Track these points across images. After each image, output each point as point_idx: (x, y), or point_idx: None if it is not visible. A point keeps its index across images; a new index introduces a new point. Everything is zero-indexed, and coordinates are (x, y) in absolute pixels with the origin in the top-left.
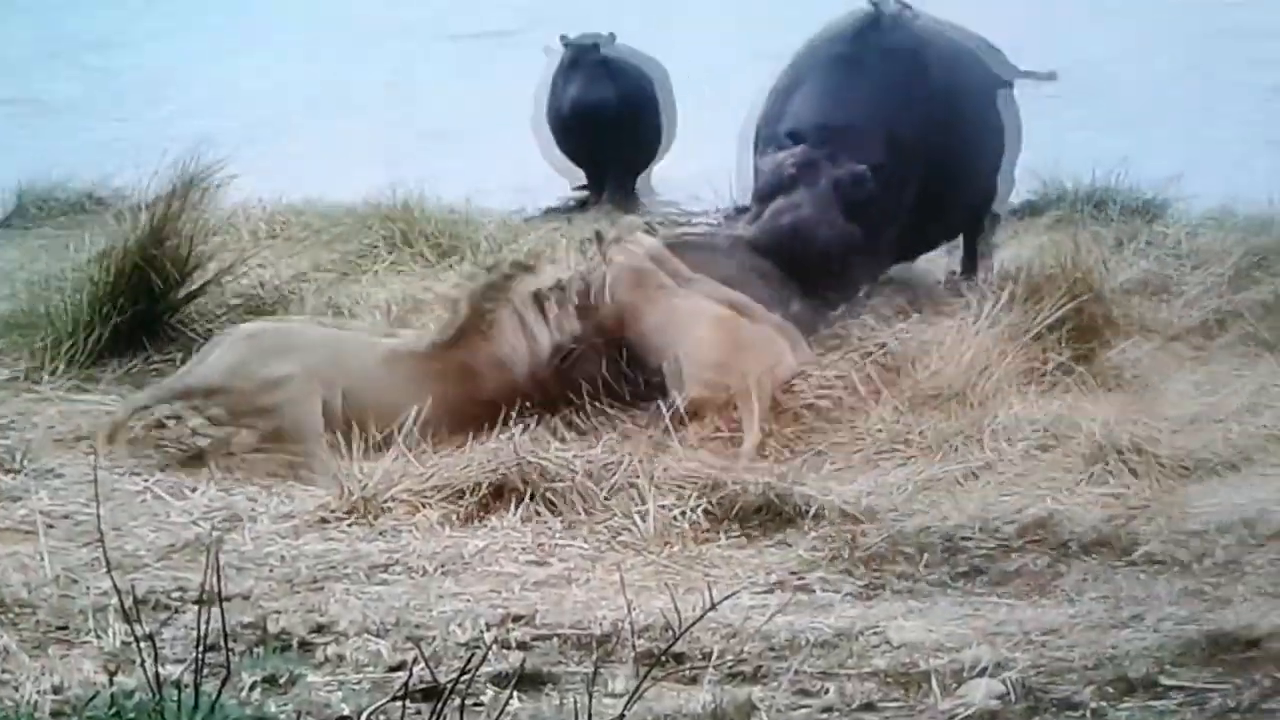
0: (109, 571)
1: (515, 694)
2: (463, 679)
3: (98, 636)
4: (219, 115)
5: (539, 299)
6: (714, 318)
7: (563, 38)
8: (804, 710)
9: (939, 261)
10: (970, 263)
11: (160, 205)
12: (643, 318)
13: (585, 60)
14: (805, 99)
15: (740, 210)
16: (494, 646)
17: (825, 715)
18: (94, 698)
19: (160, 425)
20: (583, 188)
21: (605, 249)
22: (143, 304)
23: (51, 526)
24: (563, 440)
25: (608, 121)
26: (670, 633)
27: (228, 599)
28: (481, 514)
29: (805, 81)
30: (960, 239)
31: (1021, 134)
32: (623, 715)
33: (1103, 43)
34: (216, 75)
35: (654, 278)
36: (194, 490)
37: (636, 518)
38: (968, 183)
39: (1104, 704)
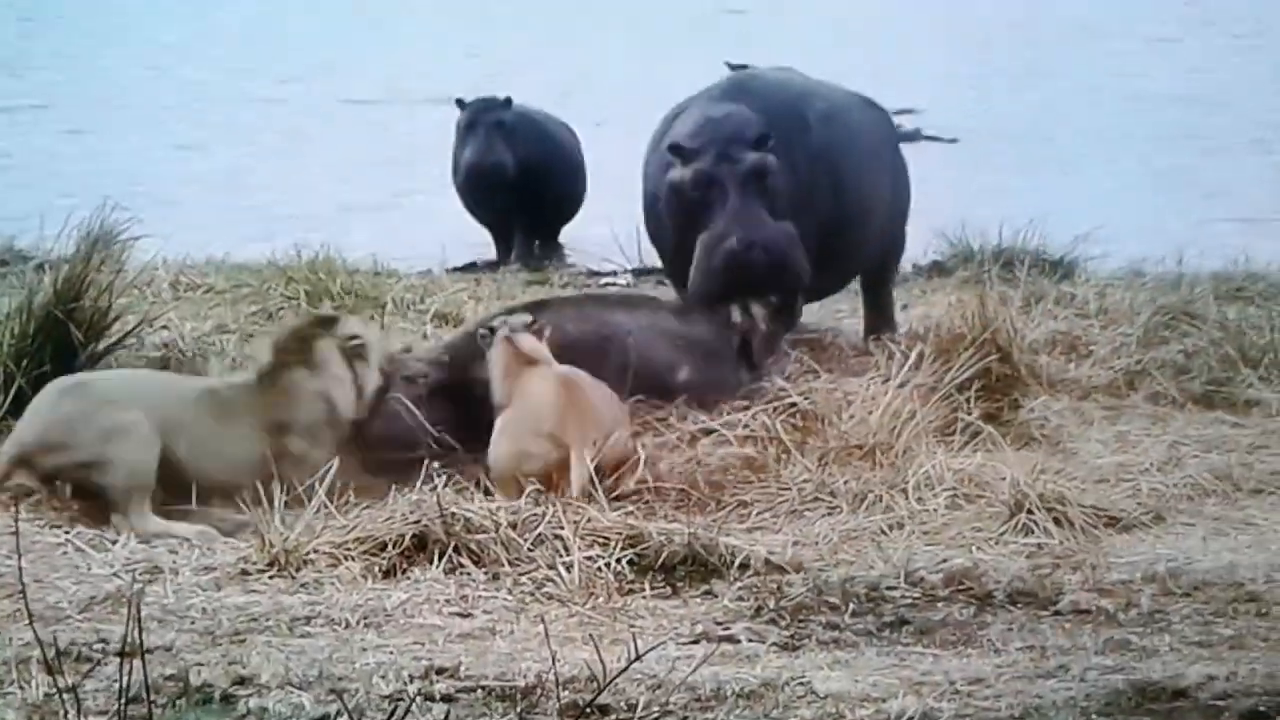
0: (31, 623)
1: None
2: None
3: (21, 688)
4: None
5: (343, 351)
6: (555, 378)
7: (458, 100)
8: None
9: (846, 323)
10: (875, 319)
11: (75, 262)
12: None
13: (481, 123)
14: (683, 122)
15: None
16: (418, 699)
17: None
18: None
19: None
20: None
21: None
22: (62, 358)
23: None
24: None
25: (503, 184)
26: (595, 684)
27: (149, 651)
28: (404, 566)
29: (681, 114)
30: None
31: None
32: None
33: (1011, 103)
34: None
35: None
36: (115, 542)
37: (561, 569)
38: (861, 228)
39: None
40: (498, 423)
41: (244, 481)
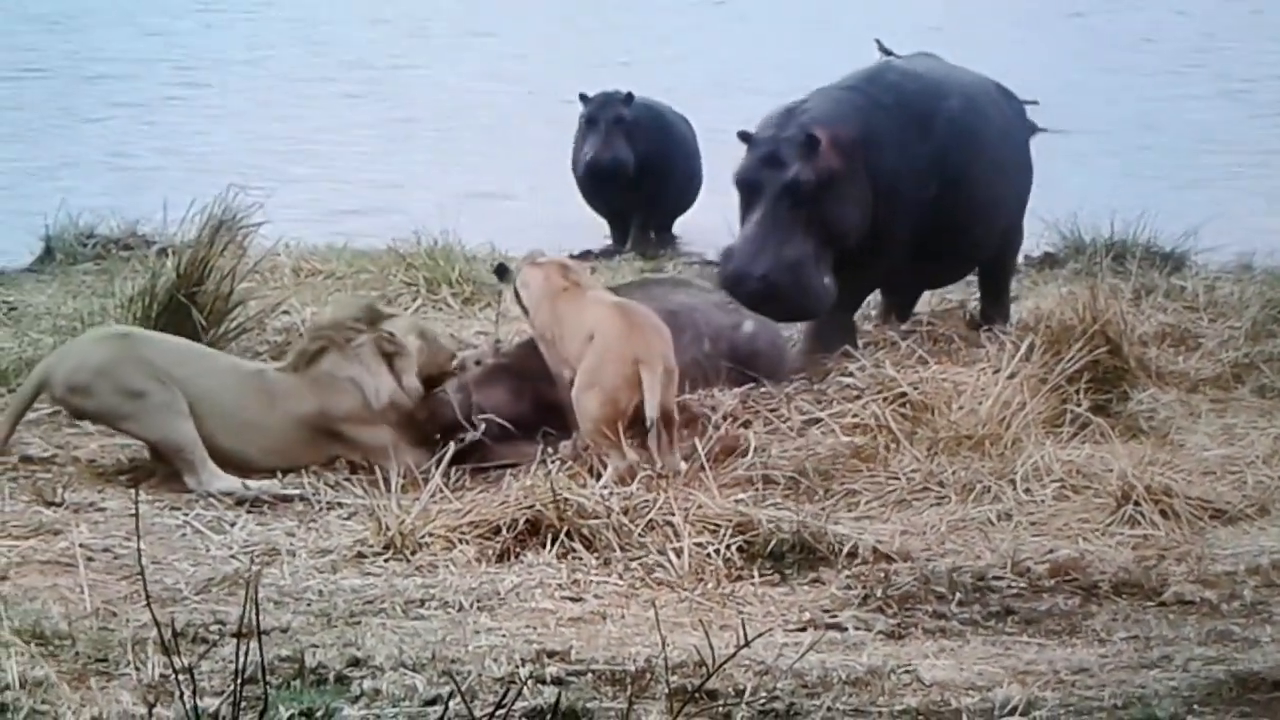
0: (148, 604)
1: None
2: (498, 713)
3: (137, 669)
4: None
5: (380, 343)
6: (609, 310)
7: (581, 95)
8: None
9: (956, 312)
10: (990, 309)
11: (198, 246)
12: (559, 320)
13: (602, 119)
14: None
15: None
16: (529, 682)
17: None
18: None
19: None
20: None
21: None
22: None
23: (91, 560)
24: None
25: (622, 181)
26: (704, 669)
27: (265, 633)
28: (517, 550)
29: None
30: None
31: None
32: None
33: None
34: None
35: (559, 275)
36: (233, 525)
37: (671, 555)
38: (985, 220)
39: None
40: (582, 372)
41: (276, 463)
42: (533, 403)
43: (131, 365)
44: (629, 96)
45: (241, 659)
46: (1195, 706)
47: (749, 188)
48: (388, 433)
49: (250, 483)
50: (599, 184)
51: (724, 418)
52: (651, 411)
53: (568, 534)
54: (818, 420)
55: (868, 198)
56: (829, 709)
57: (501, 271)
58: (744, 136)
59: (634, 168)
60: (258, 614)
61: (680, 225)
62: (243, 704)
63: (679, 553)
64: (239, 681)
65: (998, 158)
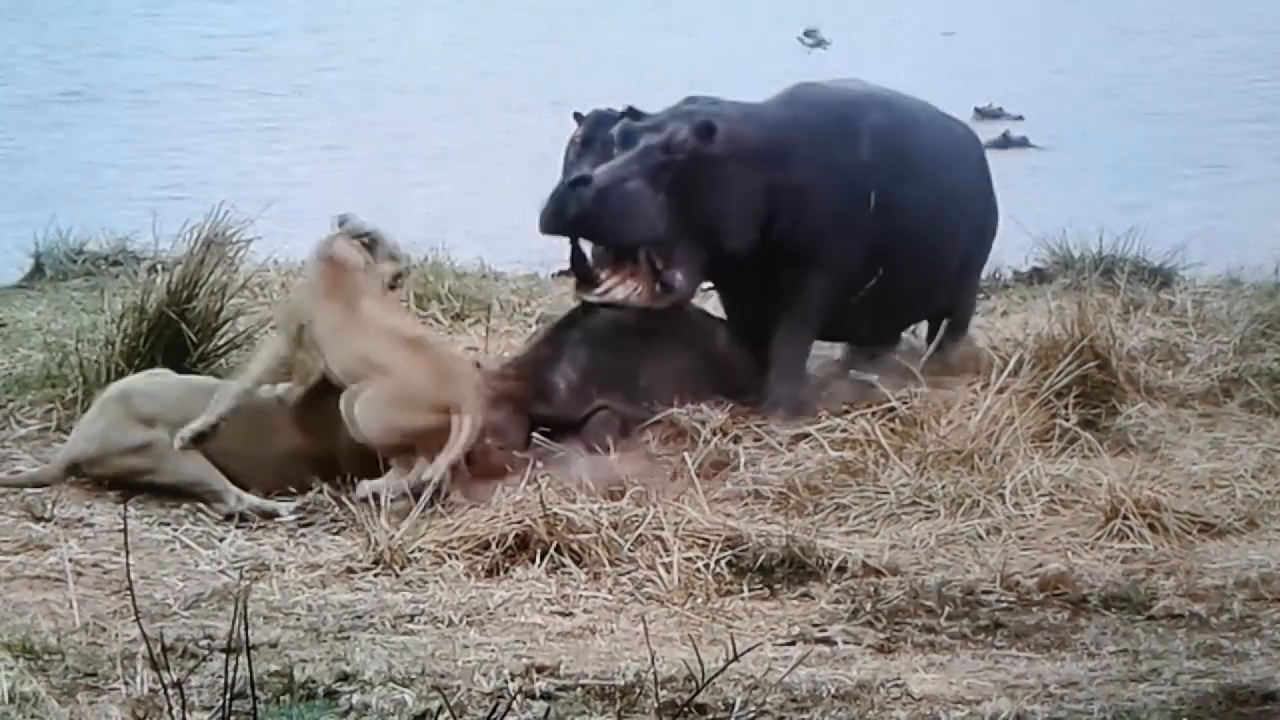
0: (137, 619)
1: None
2: None
3: (126, 684)
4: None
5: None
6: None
7: (576, 114)
8: None
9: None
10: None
11: (189, 263)
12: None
13: (598, 137)
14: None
15: None
16: (518, 696)
17: None
18: None
19: None
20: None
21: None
22: (175, 357)
23: (80, 574)
24: None
25: None
26: (693, 684)
27: (254, 648)
28: (507, 565)
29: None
30: None
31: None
32: None
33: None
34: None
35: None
36: (222, 540)
37: (660, 569)
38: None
39: None
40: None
41: (273, 483)
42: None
43: (128, 424)
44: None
45: (230, 674)
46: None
47: (625, 140)
48: None
49: (280, 505)
50: None
51: (713, 432)
52: (445, 461)
53: (557, 549)
54: (806, 435)
55: (755, 208)
56: None
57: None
58: (633, 113)
59: None
60: (247, 629)
61: None
62: (232, 719)
63: (668, 567)
64: (228, 697)
65: (940, 184)
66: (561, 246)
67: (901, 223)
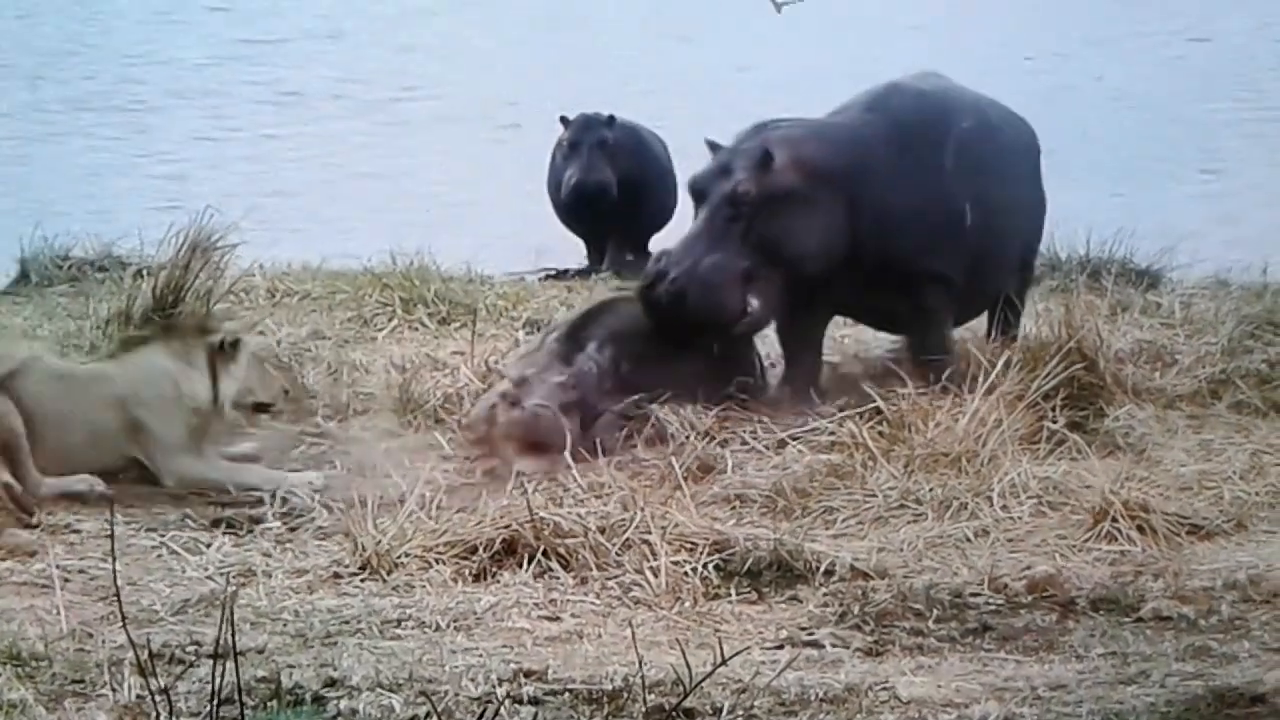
0: (124, 626)
1: None
2: None
3: (113, 690)
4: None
5: (211, 349)
6: None
7: (562, 118)
8: None
9: None
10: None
11: (174, 268)
12: None
13: (585, 141)
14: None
15: None
16: (506, 701)
17: None
18: None
19: None
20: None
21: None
22: None
23: (68, 581)
24: None
25: (605, 203)
26: (681, 688)
27: (242, 653)
28: (494, 570)
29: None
30: None
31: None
32: None
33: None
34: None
35: None
36: (208, 545)
37: (648, 574)
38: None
39: None
40: None
41: (99, 458)
42: None
43: None
44: (610, 119)
45: (218, 680)
46: None
47: (696, 194)
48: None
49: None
50: (582, 207)
51: (700, 435)
52: None
53: (544, 553)
54: (794, 437)
55: (838, 225)
56: None
57: None
58: (711, 145)
59: (616, 190)
60: (234, 635)
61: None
62: None
63: (656, 571)
64: (215, 703)
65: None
66: (548, 251)
67: (984, 222)
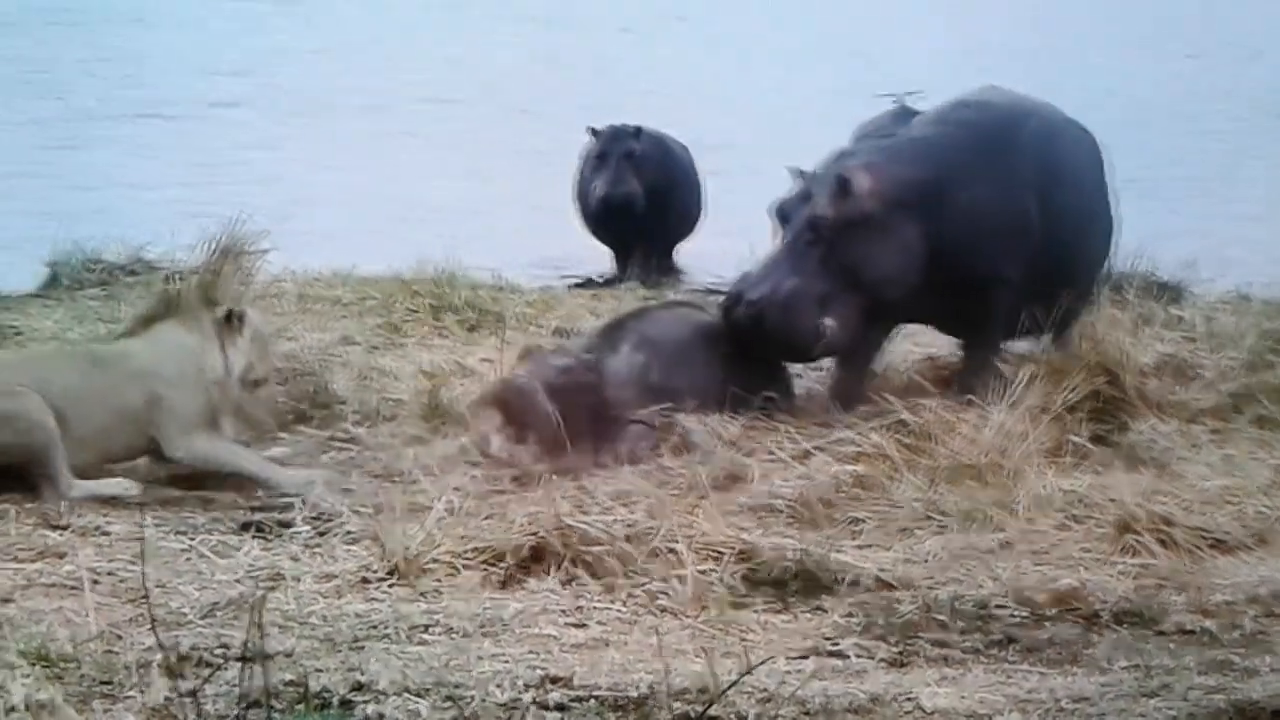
0: (153, 628)
1: None
2: None
3: (141, 692)
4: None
5: (218, 323)
6: None
7: (591, 129)
8: None
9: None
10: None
11: (204, 273)
12: None
13: (613, 153)
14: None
15: None
16: (532, 707)
17: None
18: None
19: None
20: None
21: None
22: None
23: (97, 583)
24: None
25: (633, 215)
26: (706, 696)
27: (270, 657)
28: (521, 576)
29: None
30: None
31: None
32: None
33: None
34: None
35: None
36: (238, 549)
37: (674, 582)
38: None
39: None
40: None
41: (126, 441)
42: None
43: None
44: (638, 130)
45: (246, 683)
46: None
47: (782, 218)
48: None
49: (101, 485)
50: (610, 218)
51: (727, 444)
52: None
53: (572, 560)
54: (820, 448)
55: (914, 248)
56: None
57: None
58: (796, 173)
59: (643, 201)
60: (262, 638)
61: (683, 254)
62: None
63: (683, 580)
64: (243, 706)
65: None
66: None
67: (1055, 231)
